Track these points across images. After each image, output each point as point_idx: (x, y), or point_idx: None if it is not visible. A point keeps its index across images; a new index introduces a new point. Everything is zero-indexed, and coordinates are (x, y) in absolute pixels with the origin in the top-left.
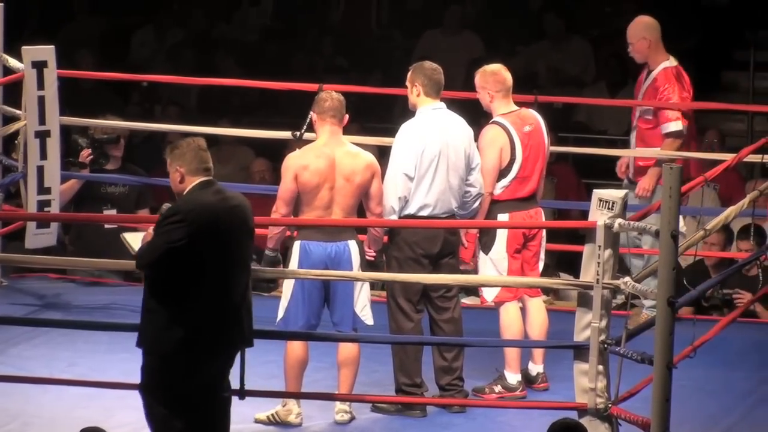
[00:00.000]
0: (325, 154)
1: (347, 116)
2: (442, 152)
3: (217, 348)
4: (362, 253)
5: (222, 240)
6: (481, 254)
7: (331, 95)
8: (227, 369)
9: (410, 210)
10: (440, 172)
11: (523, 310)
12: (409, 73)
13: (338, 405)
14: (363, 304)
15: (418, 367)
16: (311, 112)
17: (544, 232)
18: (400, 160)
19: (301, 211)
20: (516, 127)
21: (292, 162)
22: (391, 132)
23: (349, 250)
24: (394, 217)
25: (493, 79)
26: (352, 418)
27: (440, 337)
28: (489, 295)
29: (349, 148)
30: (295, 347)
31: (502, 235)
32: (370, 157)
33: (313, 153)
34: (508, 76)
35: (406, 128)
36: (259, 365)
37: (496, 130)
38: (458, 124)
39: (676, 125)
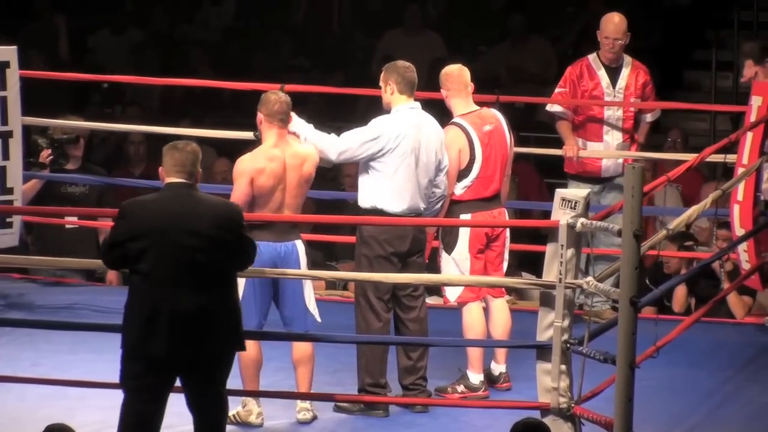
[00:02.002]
0: (278, 157)
1: (292, 115)
2: (414, 151)
3: (159, 352)
4: (308, 252)
5: (163, 243)
6: (444, 254)
7: (279, 97)
8: (188, 376)
9: (378, 206)
10: (410, 171)
11: (486, 310)
12: (382, 73)
13: (300, 404)
14: (312, 302)
15: (383, 367)
16: (258, 113)
17: (507, 232)
18: (367, 133)
19: (253, 212)
20: (475, 127)
21: (247, 166)
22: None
23: (297, 250)
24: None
25: (449, 78)
26: (315, 417)
27: (404, 337)
28: (452, 295)
29: (296, 149)
30: (249, 347)
31: (464, 235)
32: (311, 151)
33: (266, 156)
34: (466, 76)
35: (378, 119)
36: None
37: (455, 131)
38: (432, 125)
39: (656, 114)
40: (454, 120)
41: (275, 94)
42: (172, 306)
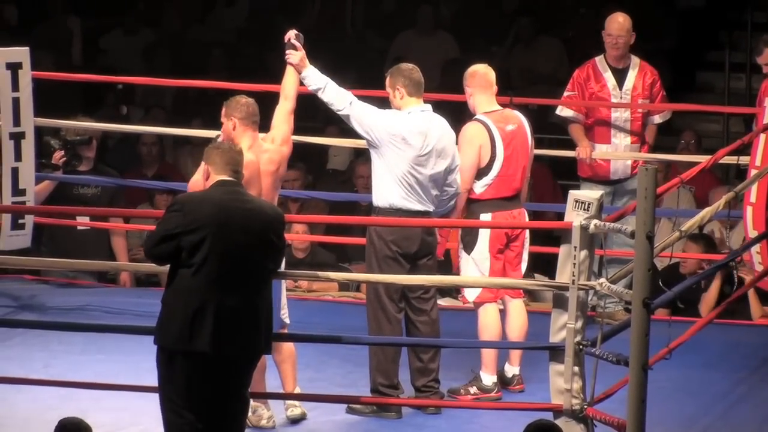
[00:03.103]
0: (252, 162)
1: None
2: (423, 149)
3: (204, 347)
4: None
5: (219, 237)
6: (464, 254)
7: (248, 100)
8: (226, 374)
9: (390, 203)
10: (423, 171)
11: (502, 311)
12: (388, 78)
13: (287, 400)
14: (284, 303)
15: (395, 368)
16: (231, 118)
17: (527, 232)
18: (371, 112)
19: None
20: (498, 125)
21: None
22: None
23: None
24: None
25: (474, 77)
26: (303, 413)
27: (417, 338)
28: (470, 295)
29: (270, 154)
30: None
31: (484, 235)
32: (285, 152)
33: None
34: (491, 76)
35: (396, 112)
36: None
37: (477, 127)
38: (443, 127)
39: (666, 115)
40: (476, 117)
41: (244, 97)
42: (220, 301)
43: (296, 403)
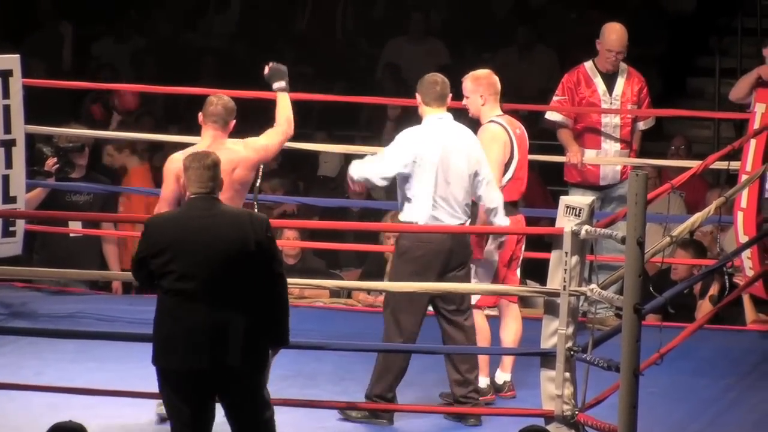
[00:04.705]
0: None
1: (233, 122)
2: (442, 160)
3: (176, 364)
4: None
5: (181, 257)
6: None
7: (220, 100)
8: (207, 388)
9: (414, 219)
10: (441, 180)
11: (495, 316)
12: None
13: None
14: None
15: (394, 383)
16: (201, 114)
17: (524, 238)
18: (398, 150)
19: None
20: (511, 128)
21: (175, 165)
22: (357, 140)
23: None
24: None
25: (486, 82)
26: None
27: (414, 345)
28: (473, 297)
29: (229, 154)
30: None
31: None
32: (245, 156)
33: None
34: (498, 82)
35: (407, 131)
36: None
37: (496, 127)
38: (462, 133)
39: (650, 122)
40: (491, 119)
41: (217, 97)
42: (189, 319)
43: None
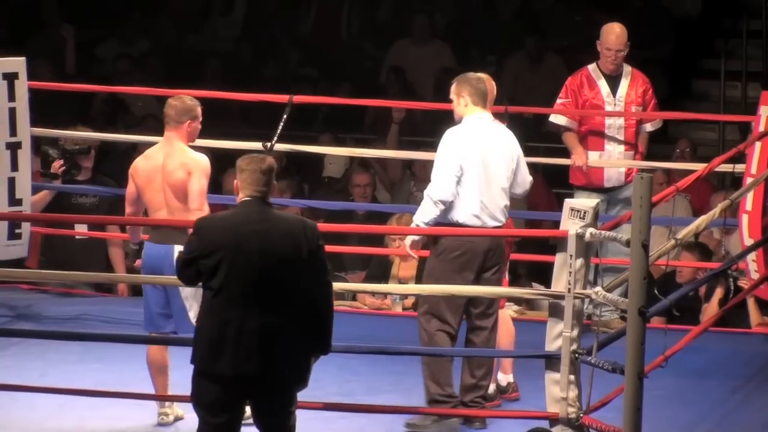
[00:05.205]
0: (153, 157)
1: (189, 123)
2: (484, 160)
3: (225, 369)
4: None
5: (234, 260)
6: None
7: (175, 101)
8: (252, 395)
9: (455, 219)
10: (482, 181)
11: None
12: (454, 86)
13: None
14: (192, 309)
15: (449, 378)
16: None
17: (513, 241)
18: (446, 162)
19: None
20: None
21: (132, 165)
22: (362, 142)
23: (172, 254)
24: (433, 214)
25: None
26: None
27: (412, 347)
28: None
29: (174, 152)
30: (156, 350)
31: None
32: (187, 158)
33: (144, 156)
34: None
35: (450, 134)
36: None
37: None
38: (502, 134)
39: (657, 124)
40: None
41: (175, 98)
42: (239, 323)
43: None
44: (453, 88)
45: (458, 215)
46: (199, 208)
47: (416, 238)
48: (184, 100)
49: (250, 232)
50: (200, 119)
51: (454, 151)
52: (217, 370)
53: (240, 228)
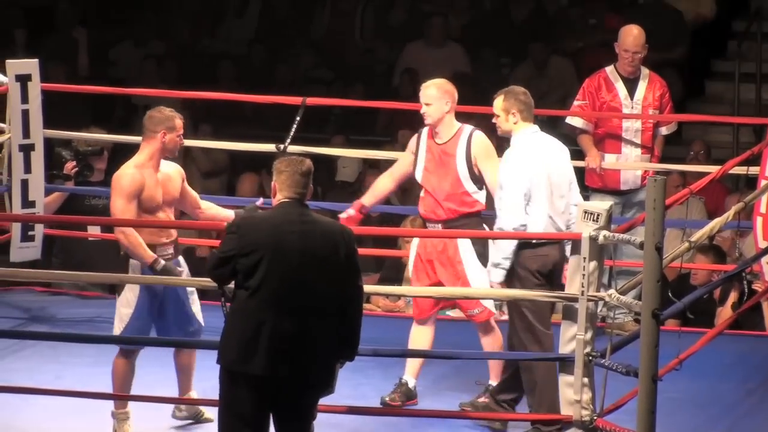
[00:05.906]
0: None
1: (164, 134)
2: (548, 176)
3: (258, 370)
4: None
5: (274, 260)
6: (479, 265)
7: (151, 111)
8: (284, 397)
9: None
10: (546, 197)
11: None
12: (501, 101)
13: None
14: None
15: (556, 394)
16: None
17: None
18: (514, 190)
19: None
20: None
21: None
22: (375, 144)
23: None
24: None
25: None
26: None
27: (414, 350)
28: (490, 305)
29: (126, 163)
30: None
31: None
32: (117, 174)
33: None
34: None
35: (510, 157)
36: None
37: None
38: (557, 146)
39: (672, 127)
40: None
41: (154, 109)
42: (274, 325)
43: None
44: (500, 104)
45: (534, 229)
46: (120, 230)
47: (501, 279)
48: (162, 110)
49: (290, 233)
50: (179, 132)
51: (520, 176)
52: (252, 371)
53: (280, 228)
